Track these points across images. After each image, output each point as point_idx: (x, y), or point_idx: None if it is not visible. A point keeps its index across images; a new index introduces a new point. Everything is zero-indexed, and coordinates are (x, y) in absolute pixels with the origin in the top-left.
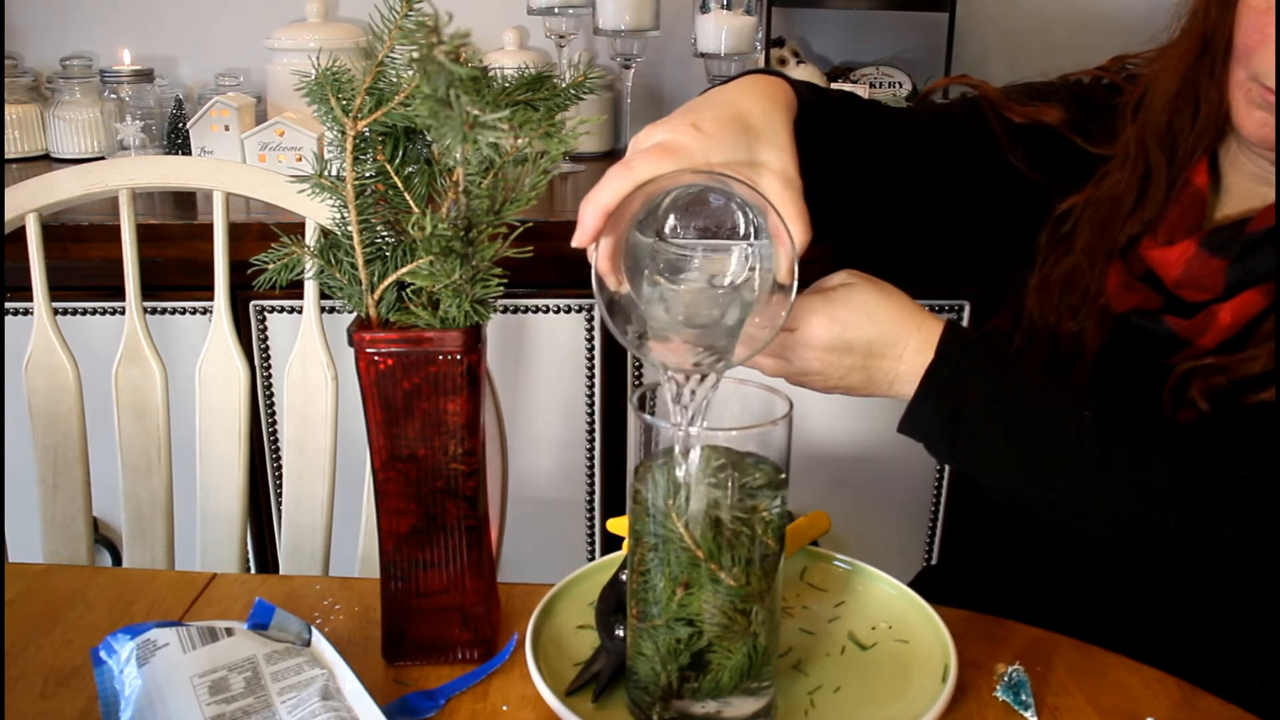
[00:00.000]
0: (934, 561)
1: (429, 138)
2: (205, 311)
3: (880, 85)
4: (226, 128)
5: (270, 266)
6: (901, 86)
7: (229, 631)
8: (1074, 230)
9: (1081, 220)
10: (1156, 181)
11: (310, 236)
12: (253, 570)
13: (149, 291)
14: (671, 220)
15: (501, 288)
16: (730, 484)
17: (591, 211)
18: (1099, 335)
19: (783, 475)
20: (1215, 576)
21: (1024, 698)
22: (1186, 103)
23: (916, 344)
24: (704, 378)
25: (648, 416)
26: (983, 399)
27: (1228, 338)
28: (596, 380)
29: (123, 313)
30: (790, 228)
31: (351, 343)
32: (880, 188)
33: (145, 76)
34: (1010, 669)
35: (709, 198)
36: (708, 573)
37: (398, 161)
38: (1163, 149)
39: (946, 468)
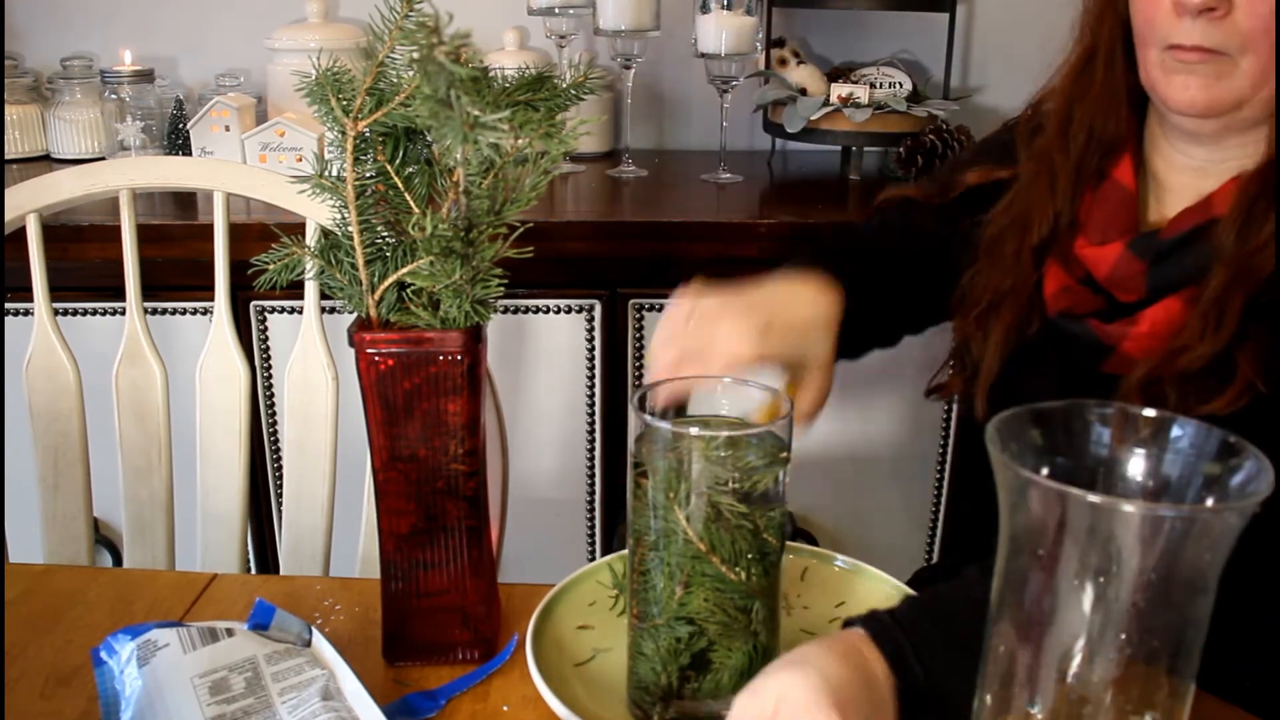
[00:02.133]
0: (934, 561)
1: (429, 138)
2: (206, 312)
3: (880, 85)
4: (227, 128)
5: (271, 267)
6: (902, 86)
7: (229, 632)
8: (990, 246)
9: (998, 233)
10: (1061, 181)
11: (311, 237)
12: (253, 570)
13: (149, 292)
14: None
15: (502, 288)
16: (731, 462)
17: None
18: (1017, 340)
19: (784, 454)
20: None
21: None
22: (1079, 104)
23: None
24: None
25: (648, 416)
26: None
27: (1151, 345)
28: (597, 380)
29: (123, 313)
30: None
31: (352, 343)
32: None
33: (145, 77)
34: (1019, 668)
35: None
36: (708, 567)
37: (398, 162)
38: (1062, 151)
39: (947, 468)
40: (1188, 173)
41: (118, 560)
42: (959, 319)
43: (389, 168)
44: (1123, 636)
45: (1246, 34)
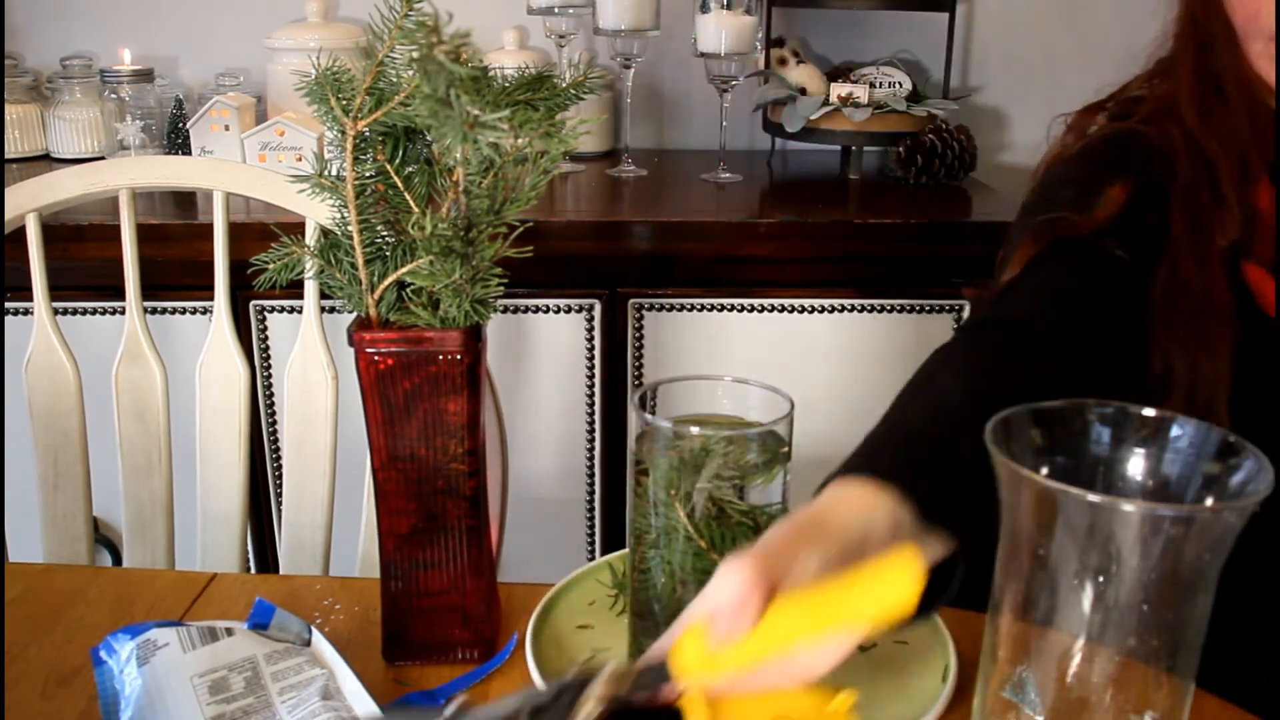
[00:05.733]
0: None
1: (429, 137)
2: (205, 311)
3: (880, 85)
4: (227, 127)
5: (270, 266)
6: (901, 86)
7: (229, 631)
8: (1175, 259)
9: (1178, 247)
10: (1224, 174)
11: (310, 236)
12: (253, 570)
13: (149, 291)
14: None
15: (501, 287)
16: (732, 460)
17: None
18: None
19: (785, 449)
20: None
21: (1033, 696)
22: (1212, 88)
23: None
24: None
25: (649, 415)
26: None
27: None
28: (596, 380)
29: (123, 312)
30: None
31: (352, 342)
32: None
33: (145, 76)
34: (1020, 669)
35: None
36: (709, 565)
37: (398, 161)
38: (1211, 135)
39: None
40: None
41: (117, 560)
42: (1162, 337)
43: (389, 167)
44: (1122, 636)
45: None
